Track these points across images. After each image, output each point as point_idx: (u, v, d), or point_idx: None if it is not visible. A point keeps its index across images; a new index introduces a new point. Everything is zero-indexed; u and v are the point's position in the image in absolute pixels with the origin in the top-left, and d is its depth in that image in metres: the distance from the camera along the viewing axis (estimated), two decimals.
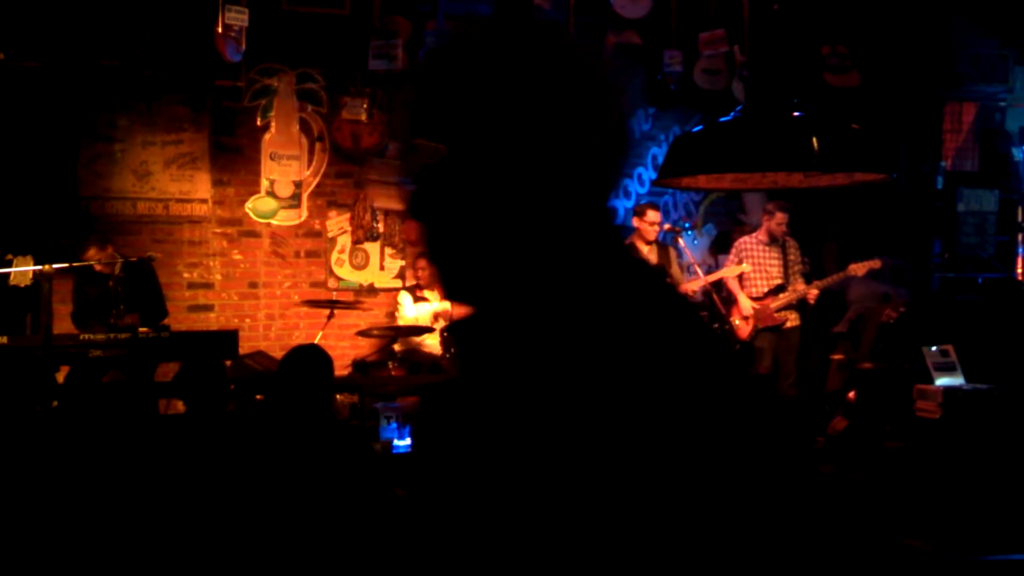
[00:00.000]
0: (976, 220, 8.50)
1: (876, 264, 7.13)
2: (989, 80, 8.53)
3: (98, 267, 6.18)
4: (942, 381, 6.03)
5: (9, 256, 6.19)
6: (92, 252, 6.16)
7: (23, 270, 6.04)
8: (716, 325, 7.55)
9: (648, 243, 7.41)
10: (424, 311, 7.42)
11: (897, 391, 6.44)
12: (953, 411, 5.86)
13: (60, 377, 5.89)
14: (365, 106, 7.55)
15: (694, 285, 7.53)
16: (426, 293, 7.51)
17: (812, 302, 7.23)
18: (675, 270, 7.50)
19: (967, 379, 6.08)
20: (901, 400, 6.30)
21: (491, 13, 7.18)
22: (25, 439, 3.76)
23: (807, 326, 7.58)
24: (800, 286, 7.26)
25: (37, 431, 3.94)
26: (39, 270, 5.11)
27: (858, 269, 7.13)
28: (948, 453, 5.74)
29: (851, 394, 7.06)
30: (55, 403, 5.21)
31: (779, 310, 7.26)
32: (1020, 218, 8.68)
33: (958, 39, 8.43)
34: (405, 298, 7.50)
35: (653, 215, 7.38)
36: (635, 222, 7.59)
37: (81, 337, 5.48)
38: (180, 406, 5.38)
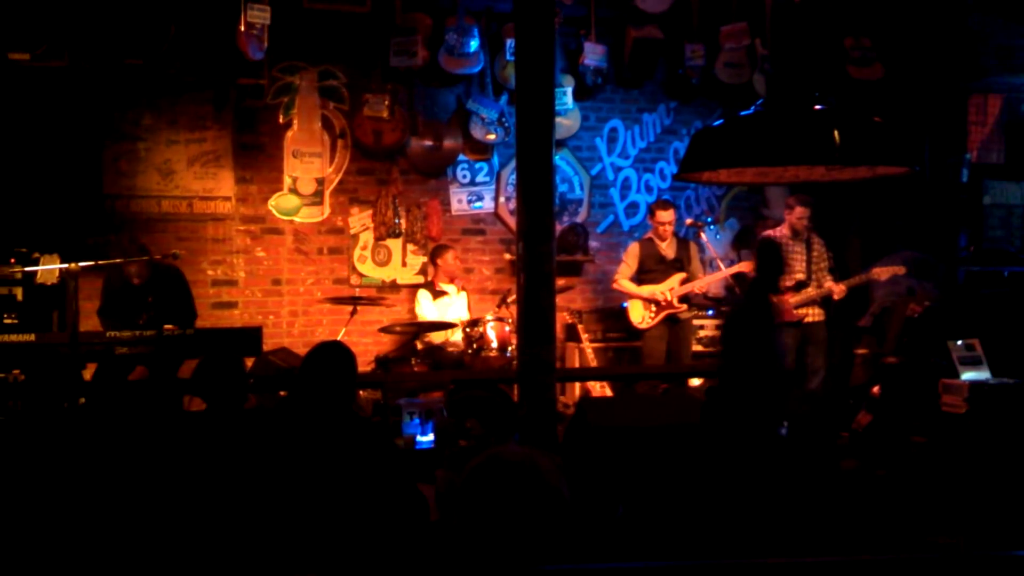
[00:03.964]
0: (1002, 213, 8.43)
1: (900, 270, 7.08)
2: (1014, 71, 8.45)
3: (133, 279, 6.16)
4: (968, 375, 5.99)
5: (36, 254, 6.26)
6: (134, 268, 6.12)
7: (50, 268, 6.10)
8: None
9: (663, 240, 7.41)
10: (444, 307, 7.45)
11: (922, 385, 6.39)
12: (979, 405, 5.82)
13: (87, 375, 5.96)
14: (387, 103, 7.56)
15: (714, 278, 7.50)
16: (443, 286, 7.54)
17: (838, 298, 7.18)
18: (695, 265, 7.48)
19: (993, 373, 6.03)
20: (926, 395, 6.25)
21: (510, 8, 7.17)
22: (52, 436, 3.80)
23: (830, 320, 7.53)
24: (826, 283, 7.21)
25: (64, 428, 3.97)
26: (65, 268, 5.16)
27: (881, 273, 7.08)
28: (974, 447, 5.70)
29: (876, 389, 7.01)
30: (82, 400, 5.26)
31: (800, 306, 7.22)
32: None
33: (982, 30, 8.35)
34: (423, 296, 7.53)
35: (661, 215, 7.40)
36: (649, 220, 7.64)
37: (107, 334, 5.52)
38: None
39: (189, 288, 6.61)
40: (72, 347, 5.00)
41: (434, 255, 7.65)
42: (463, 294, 7.67)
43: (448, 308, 7.45)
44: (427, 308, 7.45)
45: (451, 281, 7.58)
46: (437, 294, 7.51)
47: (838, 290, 7.13)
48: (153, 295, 6.30)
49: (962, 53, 8.29)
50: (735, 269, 7.39)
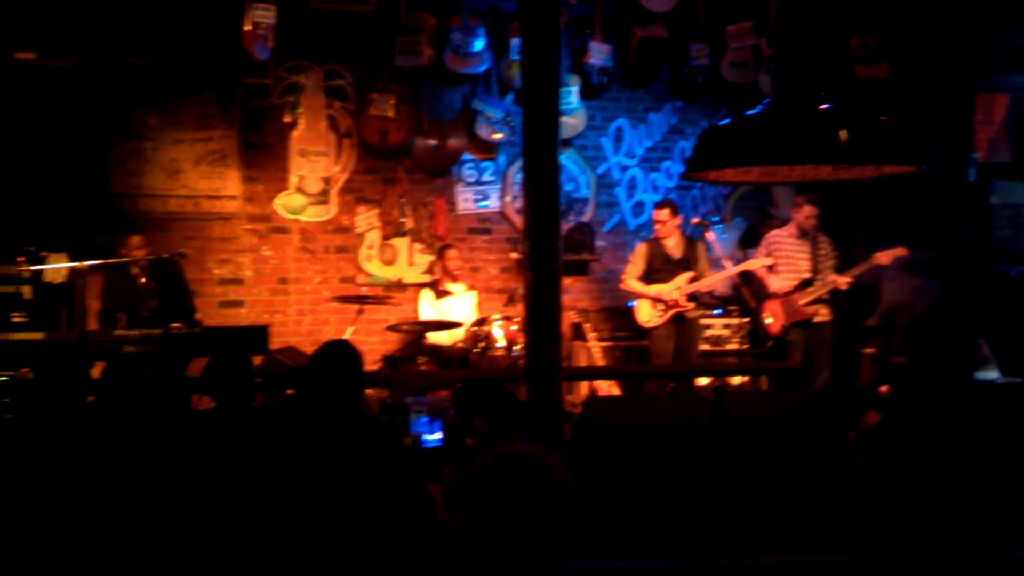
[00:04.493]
0: (1010, 212, 8.40)
1: (901, 251, 7.08)
2: (1022, 70, 8.42)
3: (134, 268, 6.29)
4: (976, 375, 5.97)
5: (44, 253, 6.28)
6: (134, 241, 6.31)
7: (58, 267, 6.12)
8: (746, 320, 7.52)
9: (663, 238, 7.42)
10: (449, 307, 7.44)
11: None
12: (987, 405, 5.80)
13: (95, 372, 5.98)
14: (392, 102, 7.57)
15: (720, 276, 7.48)
16: (448, 286, 7.54)
17: (844, 288, 7.18)
18: (703, 264, 7.48)
19: (1001, 373, 6.02)
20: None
21: (516, 7, 7.17)
22: (61, 433, 3.81)
23: (839, 320, 7.52)
24: (830, 276, 7.21)
25: (73, 426, 3.99)
26: (74, 267, 5.17)
27: (883, 257, 7.08)
28: (982, 447, 5.68)
29: (884, 388, 7.00)
30: (90, 398, 5.27)
31: (809, 304, 7.22)
32: None
33: (989, 29, 8.32)
34: (423, 297, 7.54)
35: (657, 213, 7.43)
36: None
37: (115, 333, 5.55)
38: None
39: (186, 282, 6.74)
40: (80, 345, 5.02)
41: (439, 254, 7.69)
42: (472, 293, 7.66)
43: (453, 308, 7.44)
44: (425, 310, 7.46)
45: (455, 280, 7.58)
46: (441, 294, 7.51)
47: (843, 281, 7.14)
48: (156, 285, 6.39)
49: (969, 52, 8.27)
50: (742, 267, 7.38)
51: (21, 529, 3.37)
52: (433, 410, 5.91)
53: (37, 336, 5.37)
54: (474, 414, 3.95)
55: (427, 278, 7.88)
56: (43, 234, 6.59)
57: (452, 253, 7.58)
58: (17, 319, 6.03)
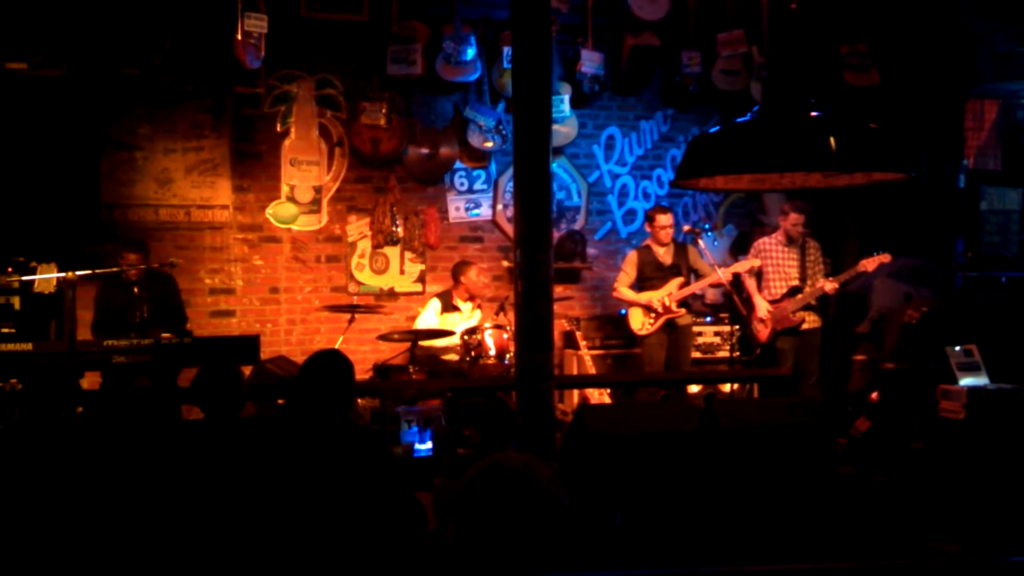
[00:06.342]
0: (999, 219, 8.44)
1: (886, 258, 7.10)
2: (1011, 77, 8.45)
3: (129, 273, 6.29)
4: (966, 381, 5.98)
5: (33, 263, 6.27)
6: (131, 258, 6.29)
7: (47, 277, 6.11)
8: (736, 327, 7.53)
9: (663, 245, 7.42)
10: (452, 323, 7.33)
11: (921, 391, 6.38)
12: (977, 411, 5.81)
13: (84, 383, 5.95)
14: (384, 111, 7.57)
15: (709, 281, 7.49)
16: (459, 302, 7.44)
17: (831, 293, 7.18)
18: (701, 265, 7.46)
19: (991, 379, 6.02)
20: (925, 400, 6.25)
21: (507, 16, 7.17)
22: (50, 445, 3.79)
23: (828, 327, 7.54)
24: (818, 283, 7.23)
25: (62, 437, 3.96)
26: (63, 277, 5.16)
27: (868, 264, 7.10)
28: (973, 453, 5.69)
29: (874, 395, 7.02)
30: (79, 409, 5.25)
31: (797, 311, 7.23)
32: None
33: (979, 36, 8.36)
34: (432, 305, 7.41)
35: (662, 219, 7.41)
36: (647, 227, 7.63)
37: (105, 343, 5.53)
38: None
39: (179, 290, 6.76)
40: (70, 356, 5.00)
41: (456, 272, 7.42)
42: (477, 313, 7.52)
43: (456, 326, 7.31)
44: (428, 318, 7.37)
45: (469, 299, 7.45)
46: (449, 308, 7.40)
47: (830, 287, 7.15)
48: (147, 291, 6.40)
49: (959, 59, 8.31)
50: (731, 270, 7.38)
51: (11, 540, 3.35)
52: (424, 419, 5.90)
53: (26, 347, 5.35)
54: (465, 423, 3.94)
55: (419, 287, 7.86)
56: (33, 244, 6.58)
57: (473, 272, 7.35)
58: (6, 330, 6.01)
